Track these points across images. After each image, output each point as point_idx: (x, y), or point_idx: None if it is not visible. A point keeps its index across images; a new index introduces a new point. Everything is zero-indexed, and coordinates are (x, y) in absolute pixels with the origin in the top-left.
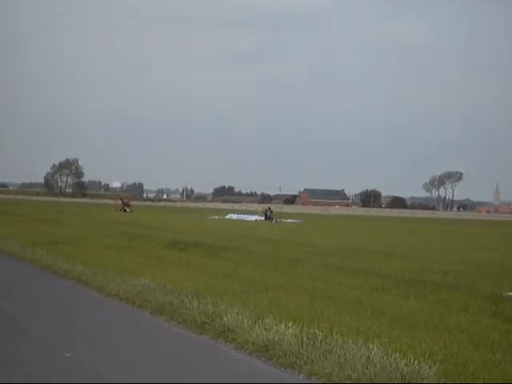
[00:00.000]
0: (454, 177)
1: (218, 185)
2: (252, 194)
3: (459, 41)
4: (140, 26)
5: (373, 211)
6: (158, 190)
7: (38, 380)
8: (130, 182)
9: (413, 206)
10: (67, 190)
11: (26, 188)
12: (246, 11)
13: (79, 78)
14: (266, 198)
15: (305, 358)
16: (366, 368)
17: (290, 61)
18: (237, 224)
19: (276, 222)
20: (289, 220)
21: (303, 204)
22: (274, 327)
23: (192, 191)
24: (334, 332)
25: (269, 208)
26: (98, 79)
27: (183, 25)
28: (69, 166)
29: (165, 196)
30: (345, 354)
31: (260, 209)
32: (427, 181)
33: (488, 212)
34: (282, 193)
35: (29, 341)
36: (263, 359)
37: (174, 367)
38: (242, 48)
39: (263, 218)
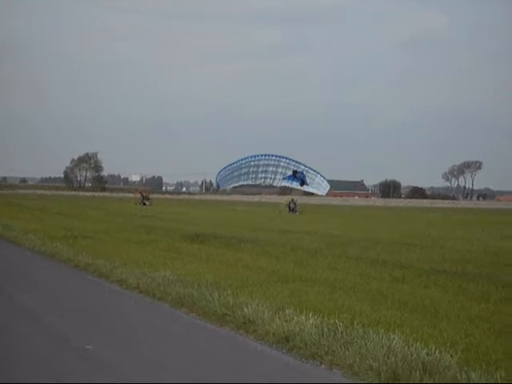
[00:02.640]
0: (474, 166)
1: None
2: (271, 186)
3: (477, 30)
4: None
5: (392, 202)
6: (177, 183)
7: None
8: (149, 175)
9: (432, 196)
10: (86, 184)
11: (46, 183)
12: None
13: (97, 72)
14: (285, 190)
15: (326, 349)
16: (388, 358)
17: (309, 55)
18: (257, 216)
19: (300, 213)
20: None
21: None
22: (295, 318)
23: (211, 184)
24: (355, 322)
25: (292, 199)
26: (116, 72)
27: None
28: (88, 160)
29: (184, 189)
30: (366, 344)
31: (283, 201)
32: (446, 170)
33: (508, 201)
34: None
35: (55, 337)
36: (284, 350)
37: (195, 359)
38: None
39: (287, 211)
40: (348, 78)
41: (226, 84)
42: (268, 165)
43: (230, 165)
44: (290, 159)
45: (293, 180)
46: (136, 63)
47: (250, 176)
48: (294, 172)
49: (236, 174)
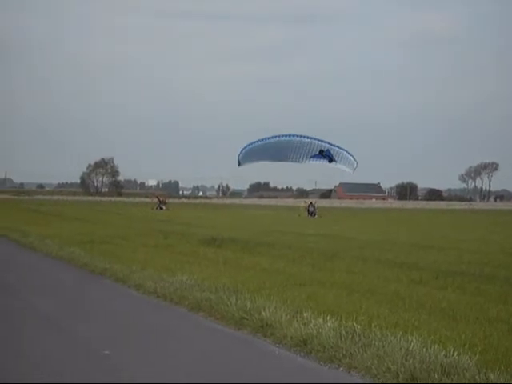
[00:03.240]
0: (490, 167)
1: (254, 181)
2: (287, 189)
3: (490, 30)
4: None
5: (409, 204)
6: (194, 187)
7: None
8: (165, 180)
9: (449, 198)
10: (103, 190)
11: (63, 188)
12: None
13: (111, 79)
14: (301, 193)
15: (344, 352)
16: (406, 360)
17: (315, 55)
18: (274, 219)
19: (321, 217)
20: None
21: (339, 198)
22: (312, 321)
23: (228, 187)
24: (373, 325)
25: (311, 203)
26: (132, 79)
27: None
28: (104, 166)
29: (200, 193)
30: (384, 347)
31: (302, 204)
32: (463, 172)
33: None
34: (317, 187)
35: (73, 342)
36: (302, 353)
37: (213, 363)
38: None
39: (306, 214)
40: (358, 76)
41: (244, 86)
42: (292, 142)
43: (253, 143)
44: (313, 138)
45: (319, 158)
46: (153, 66)
47: (273, 154)
48: (321, 151)
49: (258, 151)
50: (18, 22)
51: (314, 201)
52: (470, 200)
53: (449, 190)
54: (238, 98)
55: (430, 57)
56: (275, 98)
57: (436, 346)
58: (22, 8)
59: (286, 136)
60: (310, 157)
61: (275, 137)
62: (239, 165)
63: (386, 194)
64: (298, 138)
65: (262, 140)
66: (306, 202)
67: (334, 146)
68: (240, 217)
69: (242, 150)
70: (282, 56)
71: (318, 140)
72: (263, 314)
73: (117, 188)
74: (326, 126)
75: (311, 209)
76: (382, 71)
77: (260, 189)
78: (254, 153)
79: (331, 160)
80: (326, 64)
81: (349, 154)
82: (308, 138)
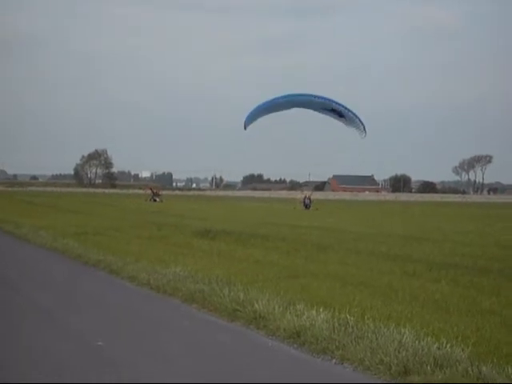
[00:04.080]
0: (484, 160)
1: (247, 173)
2: (281, 182)
3: (489, 25)
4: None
5: (403, 196)
6: (188, 179)
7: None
8: (159, 171)
9: (443, 191)
10: (97, 181)
11: (56, 180)
12: None
13: (107, 70)
14: (295, 185)
15: (337, 344)
16: (398, 352)
17: (316, 48)
18: (267, 211)
19: (317, 209)
20: None
21: (333, 190)
22: (306, 313)
23: (221, 180)
24: (366, 317)
25: (306, 195)
26: (124, 70)
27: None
28: (98, 157)
29: (194, 185)
30: (377, 339)
31: (298, 197)
32: (457, 164)
33: None
34: (311, 179)
35: (67, 334)
36: (295, 345)
37: (205, 354)
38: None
39: (301, 207)
40: (353, 69)
41: (237, 77)
42: (303, 98)
43: (259, 106)
44: (326, 98)
45: (329, 112)
46: (146, 58)
47: (283, 106)
48: (333, 109)
49: (265, 111)
50: (17, 14)
51: (309, 193)
52: (464, 192)
53: (442, 182)
54: (235, 91)
55: (427, 50)
56: (274, 91)
57: (429, 338)
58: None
59: (296, 96)
60: (322, 108)
61: (283, 97)
62: (245, 129)
63: (380, 186)
64: (308, 98)
65: (268, 101)
66: (302, 193)
67: (347, 109)
68: (233, 209)
69: (247, 117)
70: (282, 49)
71: (330, 100)
72: (256, 305)
73: (110, 180)
74: (321, 119)
75: (307, 201)
76: (378, 64)
77: (253, 181)
78: (258, 113)
79: (341, 115)
80: (323, 57)
81: (360, 121)
82: (320, 97)
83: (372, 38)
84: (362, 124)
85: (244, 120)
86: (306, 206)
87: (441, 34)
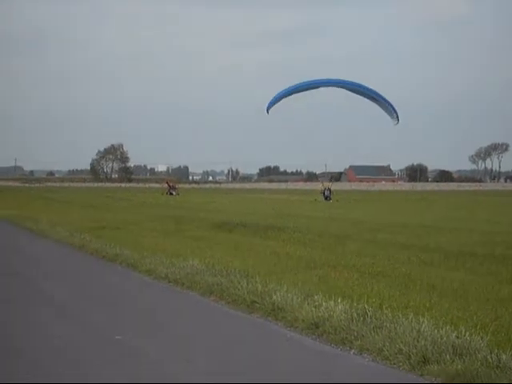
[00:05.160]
0: (500, 148)
1: (264, 165)
2: (297, 173)
3: (498, 13)
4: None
5: (419, 186)
6: (204, 172)
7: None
8: (175, 165)
9: (459, 179)
10: (113, 176)
11: (73, 175)
12: None
13: (119, 64)
14: (311, 176)
15: (355, 334)
16: (417, 341)
17: (331, 40)
18: (284, 203)
19: (337, 201)
20: None
21: (349, 181)
22: (324, 304)
23: (237, 172)
24: (384, 307)
25: (327, 187)
26: (137, 65)
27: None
28: (114, 152)
29: (210, 178)
30: (395, 329)
31: (319, 187)
32: (473, 153)
33: None
34: (327, 170)
35: (83, 330)
36: (314, 336)
37: (224, 346)
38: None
39: (322, 198)
40: (370, 58)
41: (252, 70)
42: (332, 84)
43: (284, 90)
44: (357, 84)
45: (362, 95)
46: (161, 52)
47: (311, 86)
48: (364, 94)
49: (290, 93)
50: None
51: (329, 184)
52: (480, 181)
53: (459, 171)
54: (248, 83)
55: (442, 37)
56: (286, 83)
57: (447, 327)
58: None
59: (323, 81)
60: (353, 91)
61: (310, 82)
62: (267, 113)
63: (396, 176)
64: (341, 82)
65: (293, 86)
66: (323, 184)
67: (380, 96)
68: (250, 201)
69: (269, 102)
70: (294, 41)
71: (361, 86)
72: (274, 297)
73: (126, 174)
74: (336, 109)
75: (327, 193)
76: (394, 52)
77: (270, 173)
78: (287, 92)
79: (374, 99)
80: (337, 48)
81: (393, 107)
82: (351, 83)
83: (388, 27)
84: (395, 111)
85: (267, 104)
86: (326, 198)
87: (458, 23)
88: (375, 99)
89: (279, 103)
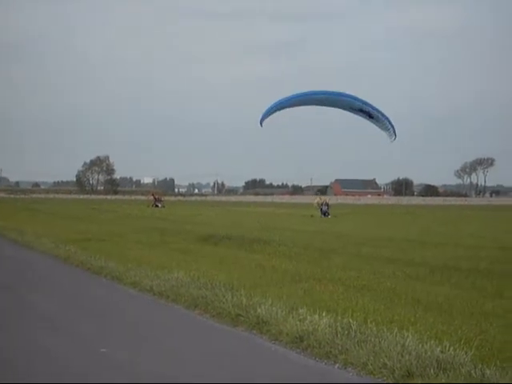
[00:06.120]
0: (486, 163)
1: (249, 178)
2: (283, 186)
3: (487, 24)
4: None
5: (405, 200)
6: (190, 184)
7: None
8: (161, 177)
9: (445, 194)
10: (99, 188)
11: (58, 187)
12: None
13: (106, 77)
14: (297, 190)
15: (340, 348)
16: (401, 356)
17: (322, 51)
18: (269, 216)
19: (336, 217)
20: None
21: (335, 194)
22: (308, 318)
23: (223, 185)
24: (369, 321)
25: (324, 201)
26: (127, 76)
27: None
28: (100, 164)
29: (196, 190)
30: (380, 343)
31: (315, 202)
32: (459, 168)
33: None
34: (313, 184)
35: (71, 340)
36: (298, 350)
37: (209, 359)
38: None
39: (318, 214)
40: (355, 72)
41: (236, 83)
42: (326, 99)
43: (277, 102)
44: (353, 97)
45: (357, 112)
46: (145, 63)
47: (304, 102)
48: (361, 109)
49: (283, 106)
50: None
51: (327, 198)
52: (466, 196)
53: (444, 185)
54: (235, 95)
55: (426, 51)
56: (276, 95)
57: (432, 342)
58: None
59: (319, 93)
60: (350, 107)
61: (303, 94)
62: (261, 125)
63: (382, 190)
64: (334, 97)
65: (287, 98)
66: (320, 199)
67: (377, 110)
68: (236, 214)
69: (267, 109)
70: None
71: (359, 100)
72: (259, 310)
73: (112, 186)
74: (323, 123)
75: (324, 208)
76: (379, 66)
77: (255, 186)
78: (280, 105)
79: (371, 116)
80: (322, 61)
81: (390, 123)
82: (347, 96)
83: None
84: (392, 126)
85: (261, 115)
86: (325, 214)
87: (437, 35)
88: (371, 115)
89: (270, 117)
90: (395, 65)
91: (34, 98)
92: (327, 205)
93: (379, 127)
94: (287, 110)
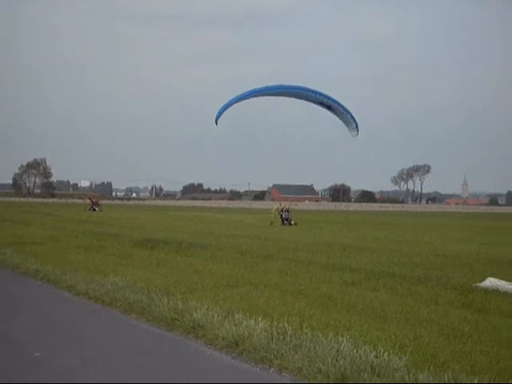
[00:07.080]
0: (422, 170)
1: (187, 182)
2: (221, 191)
3: (421, 33)
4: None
5: (342, 206)
6: (127, 188)
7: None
8: (98, 181)
9: (382, 200)
10: (36, 191)
11: None
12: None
13: (46, 80)
14: (235, 195)
15: (275, 353)
16: (336, 360)
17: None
18: (206, 221)
19: (296, 224)
20: None
21: (273, 200)
22: (244, 322)
23: (161, 189)
24: (304, 326)
25: (284, 207)
26: (68, 80)
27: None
28: (37, 167)
29: (134, 195)
30: (315, 348)
31: (273, 209)
32: (395, 174)
33: (457, 204)
34: (251, 189)
35: (3, 344)
36: (233, 354)
37: (143, 363)
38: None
39: (278, 221)
40: (298, 78)
41: (177, 87)
42: (291, 90)
43: (234, 97)
44: (315, 91)
45: (317, 103)
46: (90, 67)
47: (267, 93)
48: (321, 103)
49: (240, 100)
50: None
51: (287, 204)
52: (402, 202)
53: (381, 192)
54: (175, 99)
55: (369, 59)
56: (219, 100)
57: (366, 347)
58: None
59: (278, 88)
60: (310, 101)
61: (263, 89)
62: (216, 124)
63: (320, 195)
64: (296, 91)
65: (244, 94)
66: (280, 205)
67: (339, 104)
68: (173, 218)
69: (219, 111)
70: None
71: (321, 94)
72: (195, 315)
73: (49, 189)
74: (263, 129)
75: (285, 215)
76: (322, 72)
77: (193, 190)
78: (237, 99)
79: (330, 108)
80: (267, 66)
81: (352, 117)
82: (308, 90)
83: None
84: (355, 121)
85: (217, 113)
86: (285, 220)
87: (377, 45)
88: (331, 107)
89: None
90: (333, 72)
91: None
92: (288, 212)
93: (342, 120)
94: (226, 117)
